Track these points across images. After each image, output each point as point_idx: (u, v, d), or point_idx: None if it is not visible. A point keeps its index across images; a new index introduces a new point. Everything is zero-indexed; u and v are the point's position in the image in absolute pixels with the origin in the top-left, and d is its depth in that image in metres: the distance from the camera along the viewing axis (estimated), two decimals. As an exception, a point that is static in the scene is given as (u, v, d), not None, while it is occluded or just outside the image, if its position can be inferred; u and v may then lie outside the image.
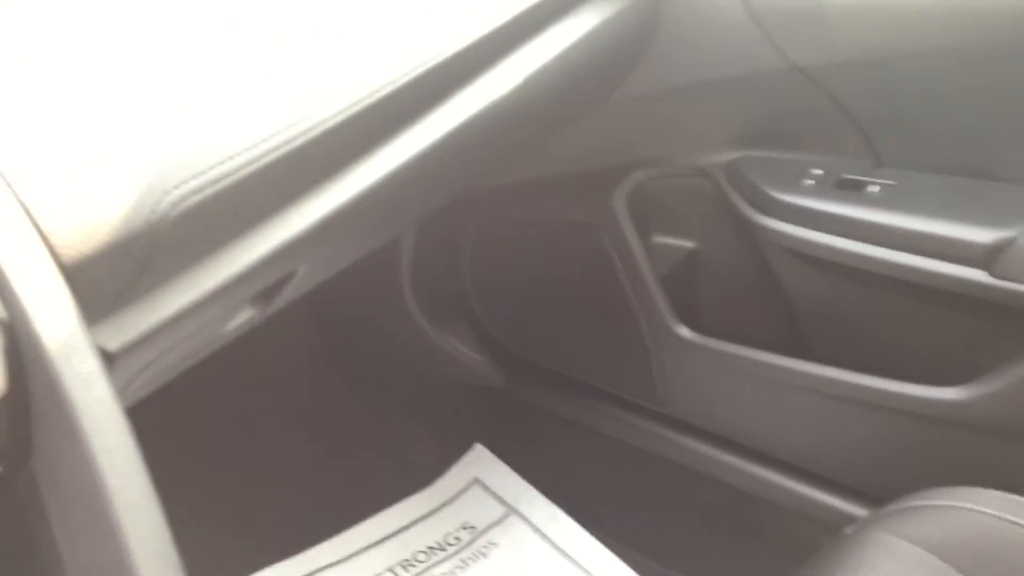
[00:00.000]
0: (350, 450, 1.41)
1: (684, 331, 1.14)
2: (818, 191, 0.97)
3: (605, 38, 0.92)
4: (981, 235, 0.87)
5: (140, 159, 0.49)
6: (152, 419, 0.56)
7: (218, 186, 0.53)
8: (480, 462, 1.39)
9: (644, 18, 0.98)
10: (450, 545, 1.31)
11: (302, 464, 1.37)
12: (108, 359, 0.50)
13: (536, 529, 1.31)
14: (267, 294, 0.68)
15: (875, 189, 0.95)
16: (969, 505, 0.75)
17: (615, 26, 0.93)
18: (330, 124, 0.60)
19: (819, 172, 0.99)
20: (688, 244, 1.17)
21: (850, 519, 1.04)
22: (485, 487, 1.37)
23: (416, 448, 1.42)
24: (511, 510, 1.33)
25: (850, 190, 0.96)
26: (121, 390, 0.53)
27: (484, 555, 1.29)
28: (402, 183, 0.72)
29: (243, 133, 0.55)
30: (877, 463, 1.04)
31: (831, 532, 0.84)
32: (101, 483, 0.43)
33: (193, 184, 0.52)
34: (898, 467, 1.02)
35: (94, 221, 0.47)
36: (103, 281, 0.48)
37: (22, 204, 0.44)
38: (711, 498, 1.20)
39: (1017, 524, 0.73)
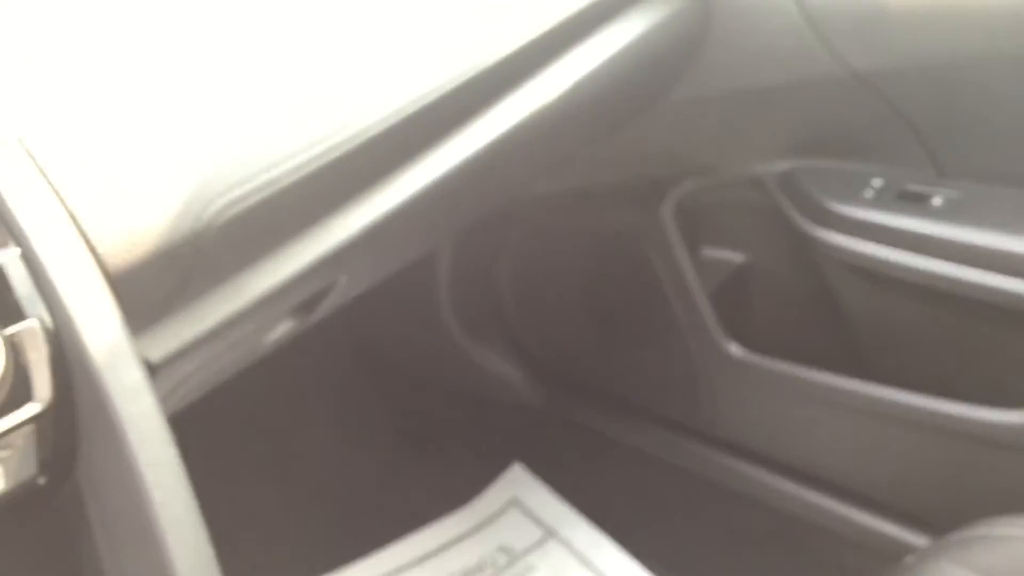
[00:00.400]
0: (384, 468, 1.42)
1: (734, 348, 1.14)
2: (878, 203, 0.97)
3: (655, 43, 0.93)
4: (1050, 250, 0.86)
5: (185, 167, 0.51)
6: (183, 434, 0.57)
7: (262, 194, 0.54)
8: (519, 482, 1.40)
9: (695, 22, 0.98)
10: (486, 568, 1.31)
11: (335, 482, 1.39)
12: (151, 370, 0.52)
13: (578, 555, 1.31)
14: (307, 305, 0.69)
15: (938, 201, 0.95)
16: (1039, 535, 0.75)
17: (665, 31, 0.93)
18: (375, 132, 0.61)
19: (879, 183, 0.99)
20: (739, 257, 1.17)
21: (908, 548, 1.03)
22: (524, 509, 1.37)
23: (452, 467, 1.43)
24: (551, 534, 1.34)
25: (912, 202, 0.96)
26: (162, 402, 0.54)
27: (522, 580, 1.30)
28: (446, 192, 0.73)
29: (288, 141, 0.56)
30: (938, 489, 1.03)
31: (887, 561, 0.83)
32: (146, 497, 0.45)
33: (238, 192, 0.53)
34: (961, 493, 1.01)
35: (140, 229, 0.48)
36: (147, 290, 0.50)
37: (69, 212, 0.46)
38: (762, 524, 1.20)
39: (1088, 554, 0.72)
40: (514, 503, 1.38)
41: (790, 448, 1.15)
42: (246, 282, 0.58)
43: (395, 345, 1.51)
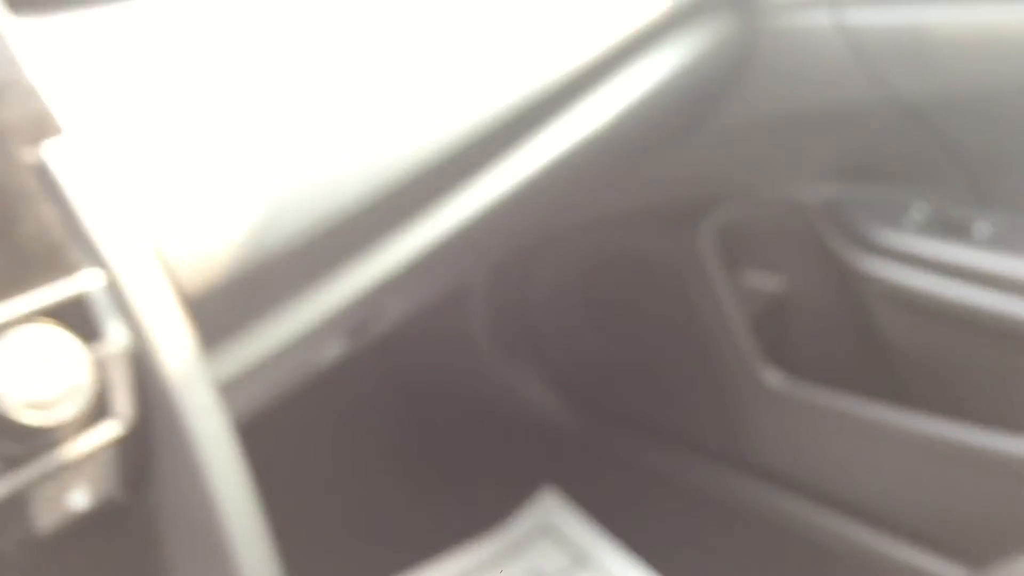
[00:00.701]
0: (417, 490, 1.44)
1: (773, 376, 1.16)
2: (921, 231, 0.99)
3: (701, 70, 0.96)
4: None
5: (255, 199, 0.54)
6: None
7: (324, 223, 0.57)
8: (551, 507, 1.42)
9: (740, 50, 1.01)
10: (517, 592, 1.33)
11: (367, 503, 1.41)
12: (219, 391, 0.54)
13: (609, 580, 1.32)
14: (359, 327, 0.72)
15: (980, 230, 0.97)
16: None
17: (712, 58, 0.96)
18: (429, 164, 0.64)
19: (921, 211, 1.01)
20: (777, 283, 1.19)
21: (946, 580, 1.05)
22: (555, 533, 1.39)
23: (485, 490, 1.45)
24: (583, 559, 1.35)
25: (955, 231, 0.98)
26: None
27: (552, 605, 1.31)
28: (492, 219, 0.75)
29: (349, 174, 0.59)
30: (978, 520, 1.04)
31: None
32: (217, 514, 0.47)
33: (303, 221, 0.56)
34: (1000, 525, 1.02)
35: (214, 258, 0.51)
36: (217, 314, 0.53)
37: (152, 242, 0.49)
38: (797, 554, 1.21)
39: None
40: (545, 527, 1.39)
41: (828, 477, 1.16)
42: (304, 306, 0.61)
43: (430, 368, 1.53)
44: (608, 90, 0.86)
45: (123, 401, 0.46)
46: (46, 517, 0.44)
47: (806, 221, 1.10)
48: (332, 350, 0.71)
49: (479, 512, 1.42)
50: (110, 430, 0.45)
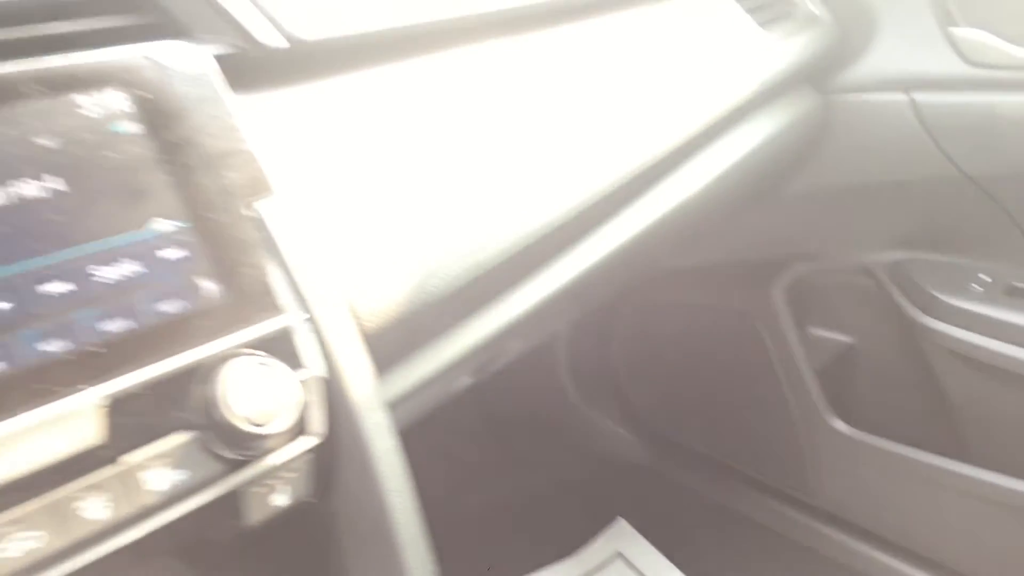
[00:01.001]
0: (495, 515, 1.49)
1: (839, 424, 1.20)
2: (986, 297, 1.02)
3: (781, 142, 1.02)
4: None
5: (419, 257, 0.62)
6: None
7: (469, 276, 0.65)
8: (622, 536, 1.46)
9: (818, 122, 1.07)
10: (591, 616, 1.37)
11: (450, 526, 1.45)
12: (383, 413, 0.61)
13: (679, 608, 1.36)
14: (486, 363, 0.79)
15: (1043, 298, 1.00)
16: None
17: (790, 132, 1.02)
18: (554, 227, 0.71)
19: (987, 278, 1.04)
20: (846, 339, 1.23)
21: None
22: (627, 562, 1.43)
23: (561, 517, 1.50)
24: (652, 587, 1.40)
25: (1019, 297, 1.01)
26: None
27: (623, 630, 1.35)
28: (601, 271, 0.83)
29: (492, 234, 0.67)
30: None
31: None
32: (389, 518, 0.54)
33: (455, 272, 0.64)
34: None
35: (388, 301, 0.59)
36: (386, 348, 0.60)
37: (342, 287, 0.57)
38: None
39: None
40: (618, 555, 1.44)
41: (889, 522, 1.20)
42: (449, 344, 0.69)
43: (511, 399, 1.59)
44: (704, 159, 0.93)
45: (318, 419, 0.53)
46: (256, 512, 0.51)
47: (874, 281, 1.14)
48: (463, 382, 0.78)
49: (554, 538, 1.46)
50: (308, 442, 0.52)
